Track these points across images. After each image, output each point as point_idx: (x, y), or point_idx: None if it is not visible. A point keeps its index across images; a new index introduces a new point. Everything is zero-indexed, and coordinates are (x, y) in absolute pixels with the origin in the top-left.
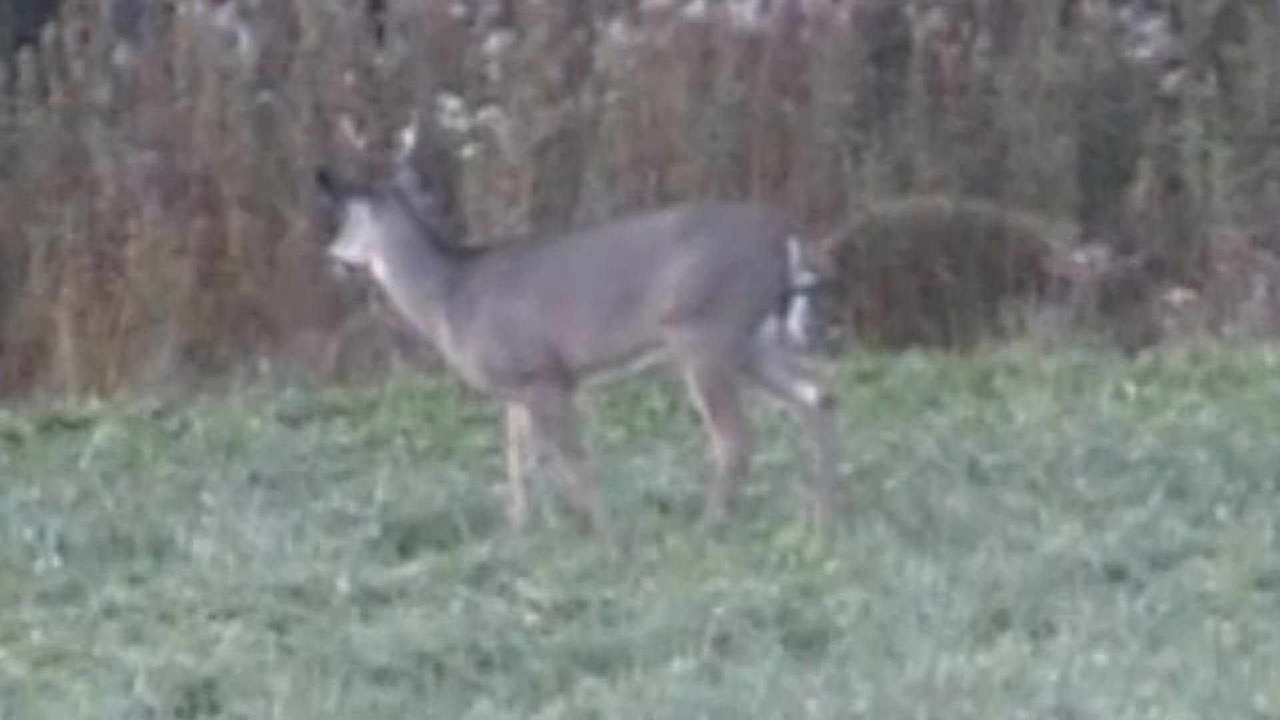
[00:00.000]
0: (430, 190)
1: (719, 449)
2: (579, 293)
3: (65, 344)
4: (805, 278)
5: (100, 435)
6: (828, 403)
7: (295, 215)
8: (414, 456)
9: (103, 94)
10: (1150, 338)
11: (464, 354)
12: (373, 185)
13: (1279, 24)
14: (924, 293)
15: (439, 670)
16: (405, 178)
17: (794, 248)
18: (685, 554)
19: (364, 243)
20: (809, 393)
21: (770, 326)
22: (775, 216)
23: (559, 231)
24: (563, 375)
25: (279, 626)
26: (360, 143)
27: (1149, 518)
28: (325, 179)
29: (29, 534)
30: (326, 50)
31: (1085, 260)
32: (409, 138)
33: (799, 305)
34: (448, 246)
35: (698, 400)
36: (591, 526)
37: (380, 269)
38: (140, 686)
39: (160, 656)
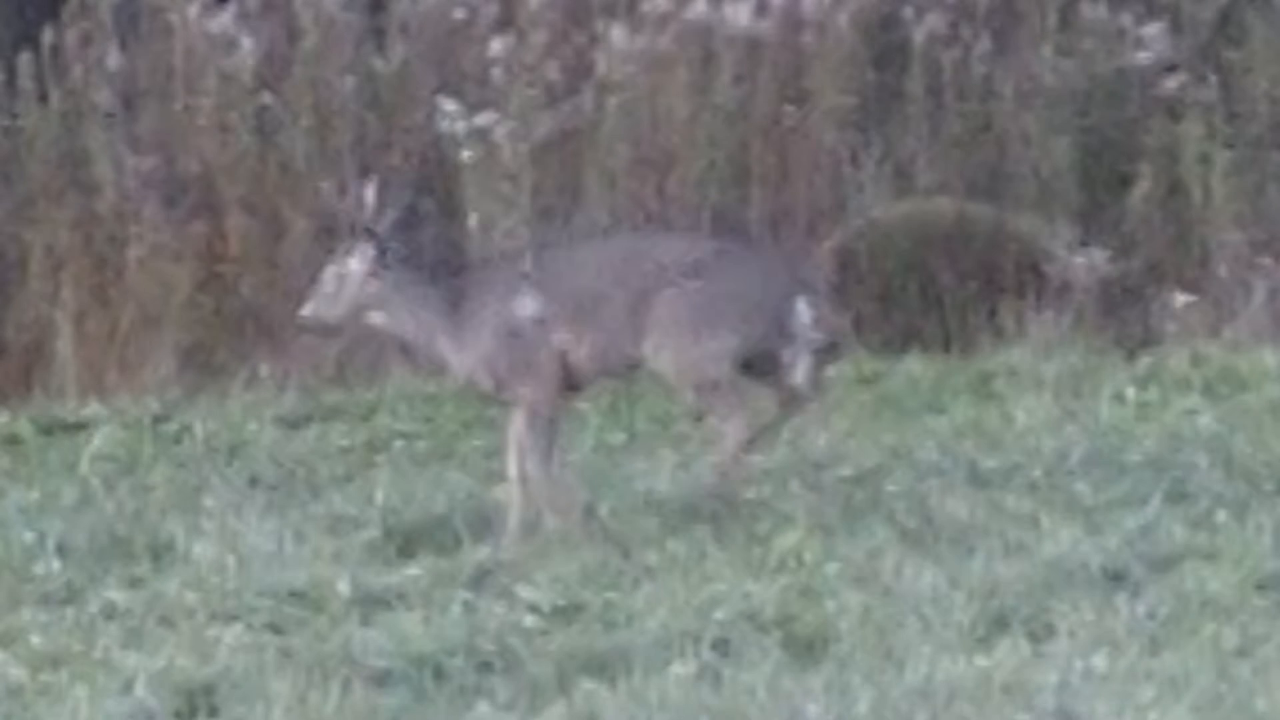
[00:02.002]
0: (429, 193)
1: (724, 429)
2: (587, 304)
3: (65, 347)
4: (814, 338)
5: (100, 438)
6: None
7: (295, 218)
8: (414, 459)
9: (103, 97)
10: (1150, 341)
11: (467, 357)
12: (361, 243)
13: (1279, 27)
14: (924, 296)
15: (438, 673)
16: (385, 225)
17: (801, 309)
18: (685, 557)
19: (354, 302)
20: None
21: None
22: (788, 274)
23: (565, 241)
24: (567, 380)
25: (279, 629)
26: (344, 200)
27: (1149, 521)
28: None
29: (29, 537)
30: (327, 53)
31: (1085, 263)
32: (370, 195)
33: (805, 362)
34: (441, 272)
35: (695, 404)
36: (591, 530)
37: (379, 319)
38: (140, 689)
39: (160, 659)
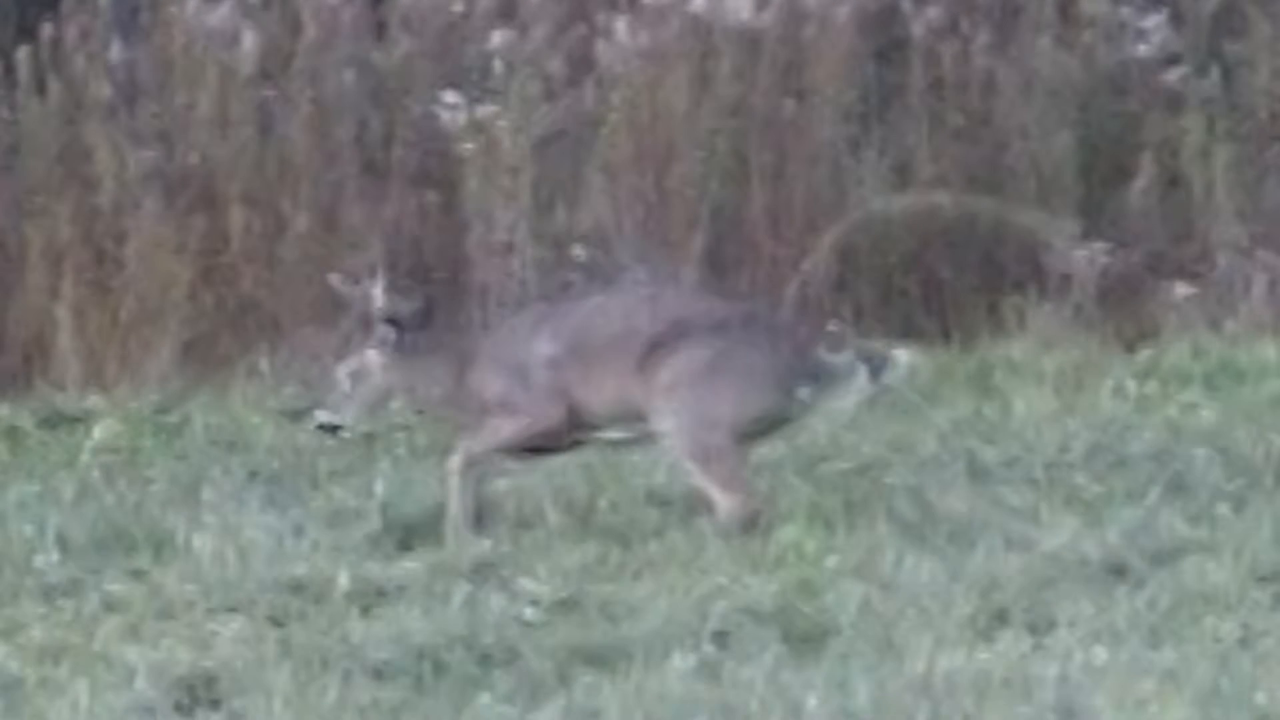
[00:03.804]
0: (429, 187)
1: (716, 505)
2: (599, 352)
3: (65, 340)
4: (844, 360)
5: (100, 431)
6: None
7: (295, 212)
8: (414, 453)
9: (102, 90)
10: (1150, 334)
11: (477, 391)
12: (377, 332)
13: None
14: (924, 289)
15: (439, 666)
16: (397, 311)
17: (807, 392)
18: (685, 550)
19: (372, 396)
20: None
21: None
22: (788, 358)
23: (581, 292)
24: (572, 421)
25: (279, 622)
26: (352, 289)
27: (1149, 514)
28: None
29: (29, 529)
30: (327, 46)
31: (1085, 256)
32: (377, 291)
33: (888, 377)
34: (450, 344)
35: (687, 468)
36: (590, 524)
37: (404, 400)
38: (140, 682)
39: (160, 652)
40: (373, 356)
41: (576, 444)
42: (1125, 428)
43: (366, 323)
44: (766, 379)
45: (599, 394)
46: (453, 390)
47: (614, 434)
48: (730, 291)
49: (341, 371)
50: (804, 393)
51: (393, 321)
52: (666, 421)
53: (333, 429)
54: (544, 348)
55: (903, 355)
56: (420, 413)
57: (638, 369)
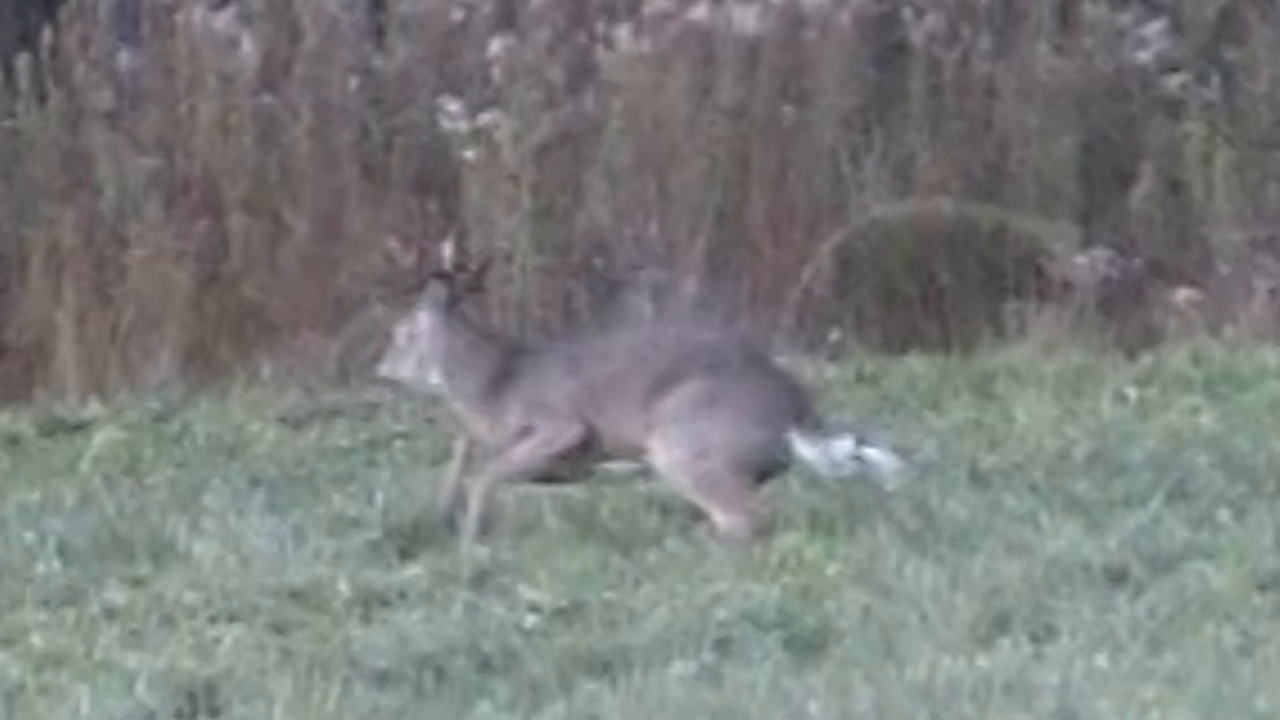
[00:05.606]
0: (430, 194)
1: (717, 524)
2: (611, 386)
3: (66, 347)
4: (835, 419)
5: (101, 438)
6: None
7: (296, 218)
8: (415, 459)
9: (104, 97)
10: (1151, 340)
11: (487, 418)
12: (430, 288)
13: (1279, 26)
14: (925, 295)
15: (439, 673)
16: (442, 287)
17: (796, 440)
18: (686, 557)
19: (421, 357)
20: None
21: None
22: (784, 400)
23: (620, 327)
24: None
25: (280, 629)
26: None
27: (1150, 520)
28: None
29: (29, 537)
30: (327, 53)
31: (1086, 262)
32: (447, 251)
33: (873, 454)
34: (496, 338)
35: (689, 498)
36: (591, 530)
37: (439, 376)
38: (141, 689)
39: (161, 659)
40: (423, 317)
41: (586, 473)
42: (1126, 434)
43: (422, 285)
44: (763, 414)
45: (610, 427)
46: (485, 391)
47: (619, 466)
48: (733, 326)
49: (399, 331)
50: (793, 437)
51: (444, 278)
52: (667, 454)
53: (393, 383)
54: (563, 381)
55: (890, 461)
56: (430, 421)
57: (642, 403)
